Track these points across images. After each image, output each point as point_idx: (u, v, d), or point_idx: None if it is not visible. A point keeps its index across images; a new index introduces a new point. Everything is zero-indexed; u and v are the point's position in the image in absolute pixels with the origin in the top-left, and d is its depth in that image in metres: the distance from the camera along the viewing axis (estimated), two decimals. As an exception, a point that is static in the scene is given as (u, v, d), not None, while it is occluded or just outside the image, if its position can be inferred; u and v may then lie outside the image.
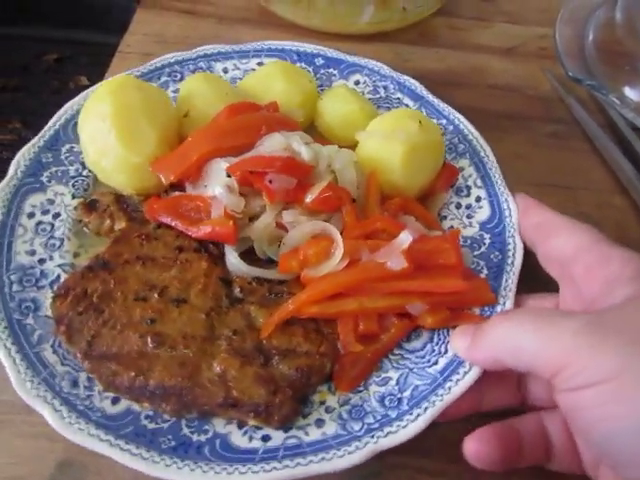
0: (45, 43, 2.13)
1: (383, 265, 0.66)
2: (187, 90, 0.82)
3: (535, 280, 0.69)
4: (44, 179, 0.76)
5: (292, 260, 0.68)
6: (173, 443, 0.58)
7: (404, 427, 0.60)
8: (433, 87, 0.91)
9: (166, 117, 0.77)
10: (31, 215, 0.73)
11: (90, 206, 0.74)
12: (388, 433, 0.60)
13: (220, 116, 0.77)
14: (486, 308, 0.68)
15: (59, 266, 0.70)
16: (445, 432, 0.63)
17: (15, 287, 0.67)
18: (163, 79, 0.89)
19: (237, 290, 0.69)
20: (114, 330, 0.63)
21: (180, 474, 0.56)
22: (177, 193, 0.74)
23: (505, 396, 0.65)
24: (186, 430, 0.59)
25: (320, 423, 0.62)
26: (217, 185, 0.71)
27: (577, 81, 0.96)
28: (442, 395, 0.62)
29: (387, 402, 0.63)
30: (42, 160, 0.77)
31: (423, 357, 0.66)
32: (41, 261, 0.70)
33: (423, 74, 0.96)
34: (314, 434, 0.61)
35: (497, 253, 0.73)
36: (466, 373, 0.63)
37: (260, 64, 0.93)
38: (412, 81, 0.92)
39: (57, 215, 0.74)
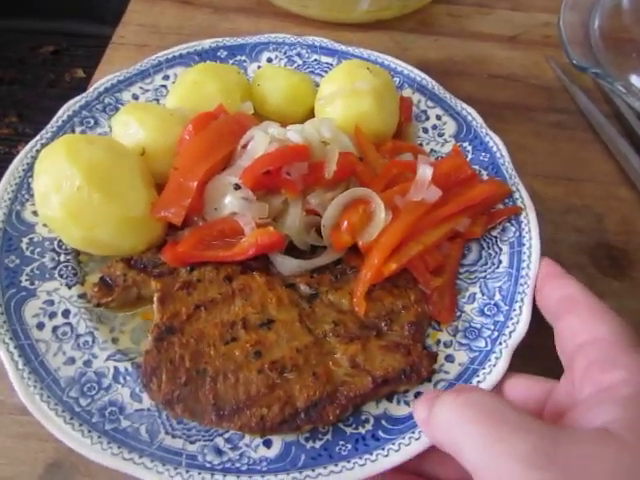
0: (41, 35, 2.10)
1: (421, 201, 0.69)
2: (125, 129, 0.74)
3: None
4: (26, 284, 0.68)
5: (342, 235, 0.68)
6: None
7: (517, 322, 0.65)
8: (434, 77, 0.89)
9: (134, 161, 0.71)
10: (40, 326, 0.65)
11: (107, 285, 0.67)
12: (511, 332, 0.65)
13: (188, 136, 0.72)
14: (507, 200, 0.75)
15: (108, 359, 0.64)
16: None
17: (82, 401, 0.60)
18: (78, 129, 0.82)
19: (305, 288, 0.67)
20: (229, 382, 0.59)
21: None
22: (187, 230, 0.70)
23: (450, 471, 0.58)
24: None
25: (450, 358, 0.65)
26: (231, 202, 0.69)
27: (582, 69, 0.91)
28: (525, 284, 0.67)
29: (487, 311, 0.67)
30: (10, 266, 0.68)
31: (486, 264, 0.72)
32: (87, 364, 0.63)
33: (423, 63, 0.93)
34: (453, 369, 0.64)
35: (484, 153, 0.81)
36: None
37: (166, 77, 0.89)
38: (317, 39, 0.93)
39: (67, 312, 0.67)
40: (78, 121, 0.83)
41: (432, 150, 0.83)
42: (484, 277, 0.70)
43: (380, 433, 0.59)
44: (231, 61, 0.92)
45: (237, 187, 0.69)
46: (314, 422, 0.58)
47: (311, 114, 0.86)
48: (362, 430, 0.59)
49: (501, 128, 0.83)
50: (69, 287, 0.69)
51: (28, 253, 0.71)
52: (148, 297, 0.68)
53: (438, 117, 0.86)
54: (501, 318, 0.66)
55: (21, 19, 2.13)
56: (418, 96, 0.88)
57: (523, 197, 0.75)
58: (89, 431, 0.58)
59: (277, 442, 0.59)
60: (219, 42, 0.93)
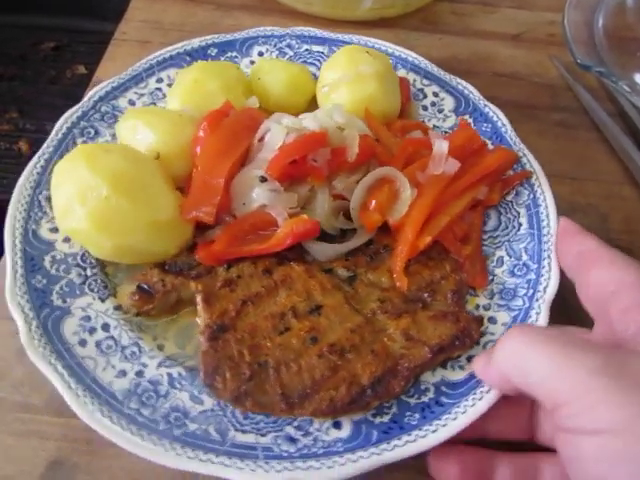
0: (42, 31, 2.05)
1: (442, 174, 0.71)
2: (133, 134, 0.73)
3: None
4: (59, 302, 0.66)
5: (372, 215, 0.69)
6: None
7: (549, 278, 0.68)
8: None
9: (154, 165, 0.70)
10: (83, 342, 0.63)
11: (146, 292, 0.65)
12: (545, 288, 0.68)
13: (204, 133, 0.72)
14: (515, 166, 0.78)
15: (159, 366, 0.63)
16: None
17: (144, 411, 0.59)
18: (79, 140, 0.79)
19: (343, 272, 0.68)
20: (293, 370, 0.59)
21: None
22: (218, 228, 0.69)
23: (514, 429, 0.61)
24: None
25: (493, 320, 0.67)
26: (259, 195, 0.69)
27: (586, 68, 0.90)
28: (549, 242, 0.71)
29: (518, 272, 0.70)
30: (38, 286, 0.66)
31: (507, 227, 0.75)
32: (139, 374, 0.62)
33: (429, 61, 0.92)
34: (497, 329, 0.66)
35: (485, 124, 0.84)
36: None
37: (160, 80, 0.87)
38: (305, 29, 0.94)
39: (106, 326, 0.65)
40: (78, 132, 0.81)
41: (434, 126, 0.86)
42: (508, 240, 0.74)
43: (443, 399, 0.61)
44: (222, 58, 0.92)
45: (263, 179, 0.69)
46: (381, 397, 0.59)
47: (312, 103, 0.87)
48: (425, 399, 0.61)
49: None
50: (102, 300, 0.68)
51: (53, 271, 0.69)
52: (187, 300, 0.68)
53: (435, 94, 0.89)
54: (532, 276, 0.69)
55: (21, 15, 2.10)
56: (413, 76, 0.90)
57: (530, 161, 0.79)
58: (159, 439, 0.57)
59: (346, 423, 0.59)
60: (208, 40, 0.92)
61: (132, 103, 0.85)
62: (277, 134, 0.72)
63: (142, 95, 0.86)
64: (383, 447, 0.57)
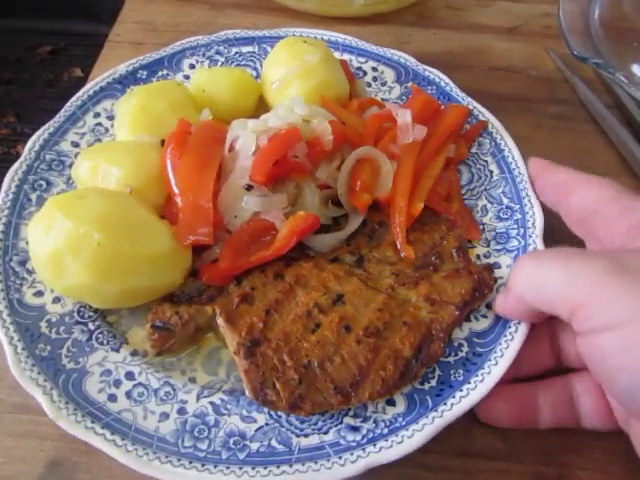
0: (38, 35, 2.09)
1: (413, 142, 0.74)
2: (94, 175, 0.70)
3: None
4: (72, 365, 0.62)
5: (361, 196, 0.71)
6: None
7: (534, 214, 0.72)
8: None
9: (132, 200, 0.67)
10: (113, 398, 0.62)
11: (164, 329, 0.63)
12: (534, 223, 0.72)
13: (172, 157, 0.70)
14: (469, 120, 0.82)
15: (199, 398, 0.63)
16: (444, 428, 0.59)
17: (201, 446, 0.58)
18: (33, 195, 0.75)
19: (349, 257, 0.69)
20: (337, 362, 0.60)
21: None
22: (216, 247, 0.67)
23: (539, 359, 0.64)
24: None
25: (497, 265, 0.71)
26: (249, 203, 0.68)
27: (582, 60, 0.90)
28: (523, 181, 0.76)
29: (504, 215, 0.75)
30: (44, 355, 0.62)
31: (480, 178, 0.79)
32: (182, 412, 0.61)
33: (422, 57, 0.92)
34: (503, 272, 0.65)
35: (429, 87, 0.87)
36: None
37: (97, 115, 0.83)
38: (229, 32, 0.93)
39: (130, 374, 0.64)
40: (29, 187, 0.76)
41: (383, 99, 0.88)
42: (485, 189, 0.77)
43: (478, 349, 0.63)
44: (154, 79, 0.89)
45: (249, 187, 0.68)
46: (426, 363, 0.61)
47: (258, 103, 0.86)
48: (462, 354, 0.63)
49: (501, 120, 0.83)
50: (116, 351, 0.65)
51: (54, 335, 0.64)
52: (205, 326, 0.66)
53: (374, 69, 0.91)
54: (519, 216, 0.73)
55: (18, 19, 2.12)
56: (348, 56, 0.92)
57: (482, 112, 0.83)
58: (227, 467, 0.56)
59: (398, 398, 0.61)
60: (134, 63, 0.89)
61: (76, 145, 0.81)
62: (248, 140, 0.71)
63: (84, 134, 0.82)
64: (442, 409, 0.59)
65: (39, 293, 0.67)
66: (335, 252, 0.70)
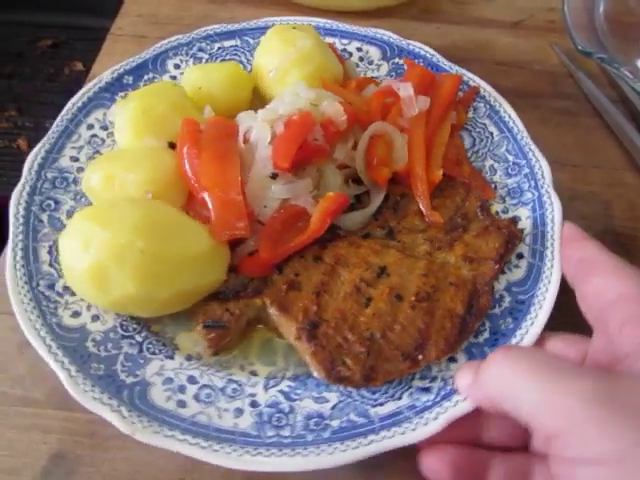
0: (39, 28, 2.08)
1: (419, 113, 0.76)
2: (110, 185, 0.68)
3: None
4: (131, 379, 0.61)
5: (380, 171, 0.73)
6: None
7: (540, 166, 0.76)
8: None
9: (161, 204, 0.66)
10: (182, 403, 0.60)
11: (218, 328, 0.63)
12: (543, 173, 0.75)
13: (191, 154, 0.69)
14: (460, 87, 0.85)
15: (267, 389, 0.62)
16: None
17: (284, 433, 0.58)
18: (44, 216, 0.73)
19: (380, 231, 0.71)
20: (398, 330, 0.61)
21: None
22: (251, 240, 0.67)
23: (508, 434, 0.58)
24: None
25: (517, 218, 0.74)
26: (277, 192, 0.68)
27: (587, 54, 0.89)
28: (520, 134, 0.79)
29: (512, 172, 0.78)
30: (99, 374, 0.61)
31: (482, 140, 0.82)
32: (254, 405, 0.61)
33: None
34: (526, 224, 0.72)
35: (416, 60, 0.89)
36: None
37: (91, 127, 0.81)
38: (209, 28, 0.92)
39: (192, 378, 0.62)
40: (38, 209, 0.72)
41: (373, 77, 0.90)
42: (489, 150, 0.81)
43: (520, 297, 0.67)
44: (141, 83, 0.87)
45: (275, 176, 0.68)
46: (479, 317, 0.64)
47: (253, 94, 0.85)
48: (506, 304, 0.67)
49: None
50: (171, 358, 0.64)
51: (104, 353, 0.63)
52: (253, 319, 0.66)
53: (359, 49, 0.93)
54: (526, 170, 0.77)
55: (19, 12, 2.09)
56: (331, 39, 0.93)
57: (472, 77, 0.87)
58: (317, 447, 0.56)
59: (459, 354, 0.63)
60: (118, 70, 0.86)
61: (75, 159, 0.78)
62: (262, 130, 0.71)
63: (81, 148, 0.79)
64: (502, 357, 0.62)
65: (76, 314, 0.65)
66: (365, 229, 0.72)
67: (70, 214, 0.73)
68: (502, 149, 0.80)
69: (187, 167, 0.69)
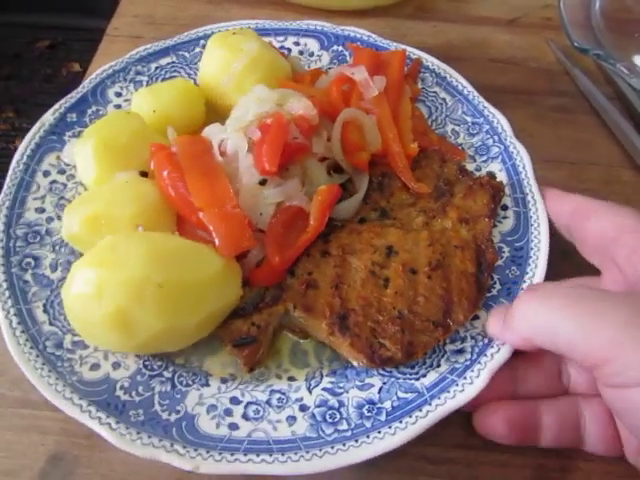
0: (37, 30, 2.11)
1: (379, 93, 0.77)
2: (96, 228, 0.65)
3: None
4: (172, 416, 0.59)
5: (359, 155, 0.74)
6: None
7: (497, 119, 0.80)
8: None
9: (163, 234, 0.65)
10: (234, 427, 0.59)
11: (248, 344, 0.62)
12: (502, 125, 0.78)
13: (173, 178, 0.68)
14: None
15: (311, 389, 0.62)
16: (444, 420, 0.59)
17: (342, 427, 0.59)
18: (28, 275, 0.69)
19: (373, 213, 0.73)
20: (422, 302, 0.63)
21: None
22: (255, 250, 0.67)
23: (543, 384, 0.61)
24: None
25: (491, 173, 0.77)
26: (269, 197, 0.68)
27: (583, 51, 0.89)
28: (465, 90, 0.83)
29: (474, 131, 0.81)
30: (140, 419, 0.58)
31: (437, 108, 0.85)
32: (304, 408, 0.60)
33: (422, 49, 0.91)
34: (501, 176, 0.76)
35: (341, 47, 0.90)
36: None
37: (47, 173, 0.76)
38: (140, 49, 0.89)
39: (235, 400, 0.61)
40: (19, 270, 0.68)
41: (318, 68, 0.90)
42: (446, 116, 0.84)
43: (517, 245, 0.70)
44: (86, 118, 0.83)
45: (263, 182, 0.68)
46: (490, 270, 0.67)
47: (205, 106, 0.84)
48: (507, 254, 0.70)
49: (501, 112, 0.82)
50: (207, 385, 0.62)
51: (137, 398, 0.60)
52: (278, 327, 0.66)
53: (296, 43, 0.94)
54: (486, 126, 0.81)
55: (16, 14, 2.12)
56: (266, 38, 0.91)
57: (412, 51, 0.89)
58: (379, 432, 0.57)
59: (480, 312, 0.66)
60: (59, 109, 0.82)
61: (41, 210, 0.74)
62: (238, 140, 0.70)
63: (43, 197, 0.75)
64: (518, 303, 0.66)
65: (95, 366, 0.62)
66: (358, 215, 0.73)
67: (54, 268, 0.69)
68: (459, 112, 0.84)
69: (172, 192, 0.67)
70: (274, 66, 0.81)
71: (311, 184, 0.72)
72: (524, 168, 0.76)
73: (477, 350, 0.63)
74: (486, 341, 0.63)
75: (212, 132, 0.73)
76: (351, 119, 0.75)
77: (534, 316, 0.53)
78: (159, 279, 0.57)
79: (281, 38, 0.93)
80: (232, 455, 0.56)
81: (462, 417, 0.61)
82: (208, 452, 0.56)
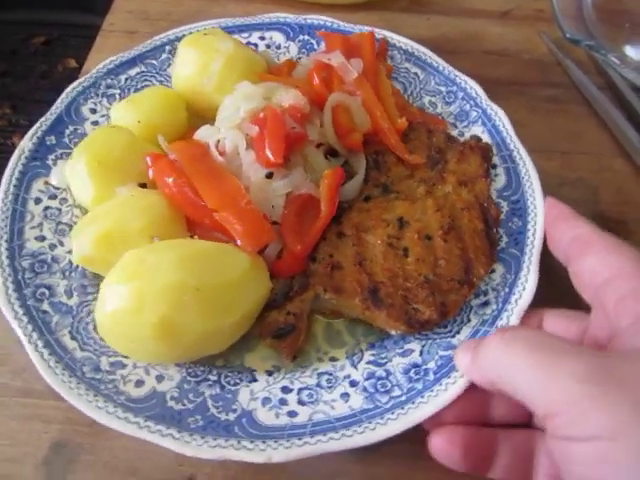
0: (32, 26, 2.11)
1: (359, 75, 0.79)
2: (109, 249, 0.64)
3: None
4: (228, 417, 0.59)
5: (352, 137, 0.76)
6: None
7: (470, 86, 0.83)
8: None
9: (180, 242, 0.65)
10: (292, 414, 0.60)
11: (288, 333, 0.64)
12: (476, 91, 0.82)
13: (179, 183, 0.68)
14: None
15: (356, 365, 0.64)
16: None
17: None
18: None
19: (376, 190, 0.75)
20: (443, 264, 0.66)
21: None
22: (275, 242, 0.68)
23: (514, 410, 0.59)
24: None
25: (475, 136, 0.81)
26: (278, 189, 0.69)
27: (575, 42, 0.90)
28: (444, 70, 0.88)
29: (450, 100, 0.86)
30: (199, 424, 0.58)
31: (410, 83, 0.88)
32: (354, 383, 0.62)
33: (417, 42, 0.91)
34: (483, 137, 0.80)
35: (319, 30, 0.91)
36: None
37: (39, 201, 0.74)
38: (106, 62, 0.87)
39: (286, 389, 0.62)
40: (34, 302, 0.66)
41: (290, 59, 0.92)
42: (421, 89, 0.88)
43: (512, 198, 0.75)
44: (65, 139, 0.80)
45: (270, 175, 0.69)
46: (497, 225, 0.71)
47: (187, 106, 0.83)
48: (506, 208, 0.74)
49: (496, 104, 0.83)
50: (255, 380, 0.63)
51: (190, 405, 0.60)
52: (309, 313, 0.67)
53: (262, 38, 0.94)
54: (461, 94, 0.85)
55: (11, 11, 2.11)
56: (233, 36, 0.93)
57: (376, 31, 0.92)
58: (431, 391, 0.60)
59: (498, 267, 0.70)
60: (36, 134, 0.79)
61: (42, 239, 0.71)
62: (235, 137, 0.70)
63: (40, 225, 0.72)
64: (527, 250, 0.70)
65: (139, 382, 0.61)
66: (362, 194, 0.75)
67: (69, 294, 0.67)
68: (432, 84, 0.88)
69: (181, 198, 0.67)
70: (252, 62, 0.81)
71: (313, 171, 0.73)
72: (504, 127, 0.81)
73: (501, 299, 0.67)
74: (507, 290, 0.67)
75: (206, 134, 0.73)
76: (339, 103, 0.77)
77: (497, 360, 0.52)
78: (195, 283, 0.57)
79: (246, 34, 0.94)
80: (300, 439, 0.57)
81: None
82: (276, 441, 0.57)
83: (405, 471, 0.62)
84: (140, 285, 0.56)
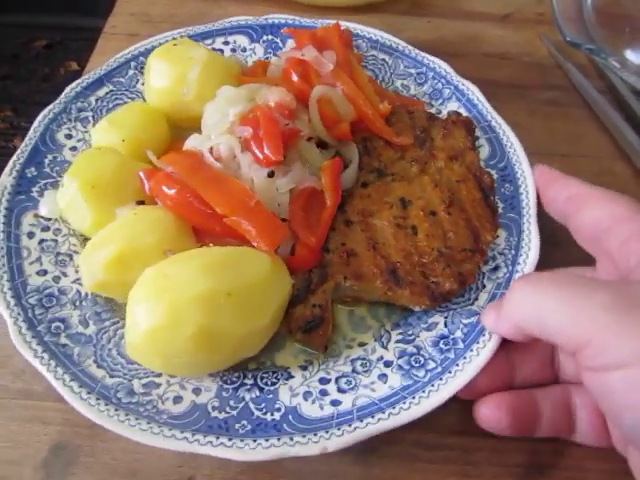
0: (34, 29, 2.14)
1: (335, 67, 0.80)
2: (122, 270, 0.63)
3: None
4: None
5: (340, 127, 0.78)
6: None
7: (439, 66, 0.86)
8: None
9: (207, 248, 0.63)
10: (337, 403, 0.61)
11: (319, 325, 0.64)
12: (447, 71, 0.85)
13: (183, 192, 0.67)
14: None
15: (385, 346, 0.66)
16: (442, 406, 0.60)
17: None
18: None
19: (372, 175, 0.77)
20: (452, 237, 0.69)
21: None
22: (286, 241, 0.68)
23: (538, 370, 0.61)
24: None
25: (454, 112, 0.84)
26: (282, 186, 0.69)
27: (575, 46, 0.91)
28: (411, 53, 0.90)
29: (420, 80, 0.88)
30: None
31: (381, 70, 0.91)
32: (380, 360, 0.64)
33: (417, 45, 0.91)
34: (453, 107, 0.83)
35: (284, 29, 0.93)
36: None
37: (31, 235, 0.71)
38: (78, 82, 0.86)
39: (324, 380, 0.63)
40: (50, 337, 0.64)
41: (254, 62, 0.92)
42: (391, 74, 0.90)
43: (500, 165, 0.78)
44: (45, 169, 0.77)
45: (272, 174, 0.69)
46: (493, 192, 0.74)
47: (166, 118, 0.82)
48: (495, 175, 0.77)
49: (495, 107, 0.83)
50: (292, 377, 0.63)
51: (234, 412, 0.60)
52: (331, 301, 0.68)
53: (226, 42, 0.94)
54: (431, 74, 0.88)
55: (13, 14, 2.14)
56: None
57: (341, 23, 0.93)
58: (464, 358, 0.62)
59: (500, 232, 0.72)
60: (15, 168, 0.75)
61: (43, 273, 0.69)
62: (229, 142, 0.70)
63: (39, 259, 0.70)
64: (525, 212, 0.73)
65: (178, 398, 0.60)
66: (358, 181, 0.76)
67: (85, 324, 0.66)
68: (401, 67, 0.90)
69: (187, 209, 0.66)
70: (227, 67, 0.81)
71: (309, 164, 0.74)
72: (478, 100, 0.84)
73: (510, 262, 0.70)
74: (513, 252, 0.70)
75: (196, 143, 0.73)
76: (322, 96, 0.78)
77: (524, 301, 0.53)
78: (225, 288, 0.57)
79: (209, 41, 0.93)
80: (350, 425, 0.58)
81: (458, 404, 0.62)
82: (327, 432, 0.58)
83: (403, 473, 0.63)
84: (171, 298, 0.55)
